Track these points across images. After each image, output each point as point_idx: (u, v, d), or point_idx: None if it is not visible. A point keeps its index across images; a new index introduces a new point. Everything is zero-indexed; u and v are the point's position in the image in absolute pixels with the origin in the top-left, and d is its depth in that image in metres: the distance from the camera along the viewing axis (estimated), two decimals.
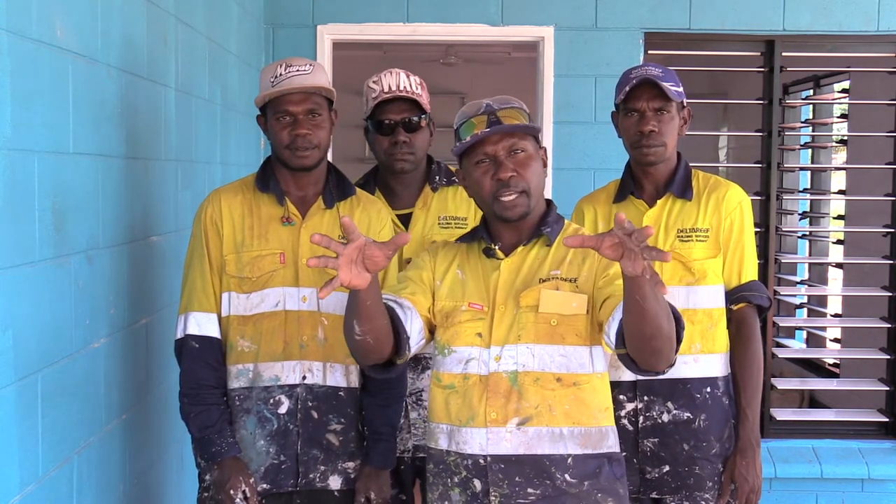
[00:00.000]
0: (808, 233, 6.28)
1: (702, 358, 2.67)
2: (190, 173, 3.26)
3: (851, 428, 4.70)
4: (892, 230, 4.70)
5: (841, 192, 5.71)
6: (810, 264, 6.55)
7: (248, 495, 2.47)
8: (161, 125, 2.92)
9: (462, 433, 2.16)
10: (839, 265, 5.55)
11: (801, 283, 6.26)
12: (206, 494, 2.56)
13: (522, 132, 2.16)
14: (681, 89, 2.66)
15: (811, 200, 6.10)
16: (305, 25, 4.59)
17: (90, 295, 2.34)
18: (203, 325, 2.51)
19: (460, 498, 2.18)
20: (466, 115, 2.19)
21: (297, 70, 2.49)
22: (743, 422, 2.69)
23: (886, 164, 4.77)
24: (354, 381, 2.59)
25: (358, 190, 2.68)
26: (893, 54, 4.73)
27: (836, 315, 5.92)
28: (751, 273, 2.71)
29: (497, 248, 2.21)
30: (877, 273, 4.89)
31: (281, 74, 2.49)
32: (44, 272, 2.07)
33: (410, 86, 2.89)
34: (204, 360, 2.51)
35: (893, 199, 4.71)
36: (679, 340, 1.98)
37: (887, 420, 4.65)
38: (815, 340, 6.34)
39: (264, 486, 2.52)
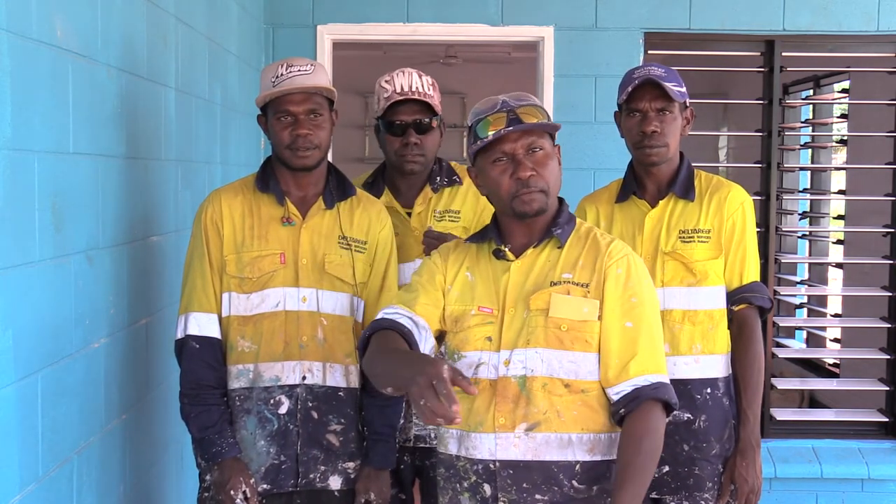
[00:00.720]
0: (808, 233, 6.27)
1: (702, 359, 2.67)
2: (190, 173, 3.26)
3: (851, 428, 4.70)
4: (892, 230, 4.70)
5: (841, 192, 5.71)
6: (810, 264, 6.54)
7: (249, 495, 2.47)
8: (161, 125, 2.92)
9: (471, 438, 2.13)
10: (839, 265, 5.55)
11: (801, 283, 6.25)
12: (206, 495, 2.56)
13: (544, 130, 2.11)
14: (684, 89, 2.66)
15: (811, 200, 6.10)
16: (305, 25, 4.58)
17: (90, 295, 2.34)
18: (203, 325, 2.51)
19: (470, 503, 2.16)
20: (482, 112, 2.12)
21: (298, 70, 2.49)
22: (744, 423, 2.69)
23: (886, 164, 4.77)
24: (354, 382, 2.59)
25: (358, 190, 2.68)
26: (893, 54, 4.72)
27: (836, 315, 5.92)
28: (752, 274, 2.70)
29: (507, 249, 2.18)
30: (877, 273, 4.89)
31: (282, 74, 2.49)
32: (44, 272, 2.06)
33: (423, 87, 2.88)
34: (204, 360, 2.50)
35: (893, 199, 4.70)
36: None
37: (887, 420, 4.65)
38: (815, 340, 6.33)
39: (264, 486, 2.52)
